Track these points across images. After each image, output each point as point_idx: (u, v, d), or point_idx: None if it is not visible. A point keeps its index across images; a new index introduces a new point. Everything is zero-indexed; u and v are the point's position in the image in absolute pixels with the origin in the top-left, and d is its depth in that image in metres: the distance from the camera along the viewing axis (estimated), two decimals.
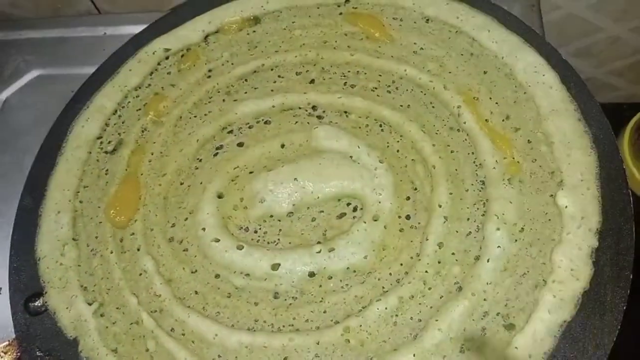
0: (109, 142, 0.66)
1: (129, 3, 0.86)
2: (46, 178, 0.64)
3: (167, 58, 0.71)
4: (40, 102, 0.79)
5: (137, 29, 0.75)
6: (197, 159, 0.64)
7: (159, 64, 0.70)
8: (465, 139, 0.60)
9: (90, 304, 0.57)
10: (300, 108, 0.65)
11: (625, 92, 0.98)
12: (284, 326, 0.54)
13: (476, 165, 0.58)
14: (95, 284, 0.58)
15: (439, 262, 0.54)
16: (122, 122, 0.67)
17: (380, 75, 0.65)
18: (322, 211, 0.59)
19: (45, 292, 0.58)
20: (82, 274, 0.59)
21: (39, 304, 0.58)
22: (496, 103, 0.61)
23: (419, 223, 0.56)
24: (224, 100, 0.67)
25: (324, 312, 0.54)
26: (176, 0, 0.85)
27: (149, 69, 0.70)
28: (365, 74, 0.66)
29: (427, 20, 0.68)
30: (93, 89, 0.69)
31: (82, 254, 0.60)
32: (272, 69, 0.68)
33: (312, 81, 0.66)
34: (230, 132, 0.65)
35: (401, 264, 0.55)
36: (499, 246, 0.53)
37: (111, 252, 0.60)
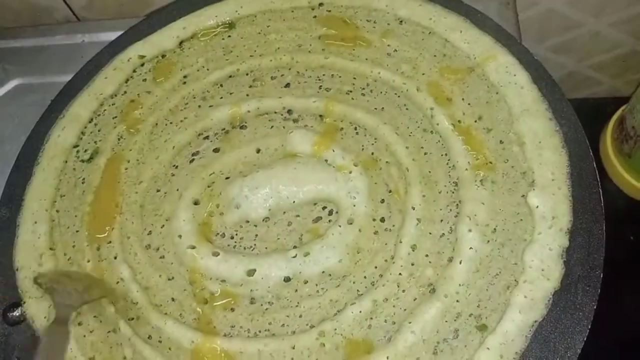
0: (85, 151, 0.66)
1: (107, 10, 0.86)
2: (23, 188, 0.64)
3: (142, 65, 0.70)
4: (20, 112, 0.79)
5: (115, 35, 0.75)
6: (174, 165, 0.64)
7: (134, 71, 0.70)
8: (439, 141, 0.60)
9: None
10: (275, 112, 0.65)
11: (607, 86, 0.98)
12: (260, 331, 0.54)
13: (449, 167, 0.58)
14: None
15: (413, 265, 0.54)
16: (98, 131, 0.67)
17: (354, 78, 0.65)
18: (298, 215, 0.59)
19: (24, 302, 0.58)
20: None
21: (18, 314, 0.58)
22: (468, 104, 0.61)
23: (394, 225, 0.56)
24: (199, 106, 0.67)
25: (300, 316, 0.54)
26: (155, 6, 0.85)
27: (124, 77, 0.70)
28: (340, 77, 0.66)
29: (401, 21, 0.67)
30: (69, 97, 0.69)
31: (59, 263, 0.60)
32: (247, 74, 0.68)
33: (288, 85, 0.66)
34: (206, 137, 0.65)
35: (375, 267, 0.55)
36: (471, 247, 0.53)
37: (88, 261, 0.60)
